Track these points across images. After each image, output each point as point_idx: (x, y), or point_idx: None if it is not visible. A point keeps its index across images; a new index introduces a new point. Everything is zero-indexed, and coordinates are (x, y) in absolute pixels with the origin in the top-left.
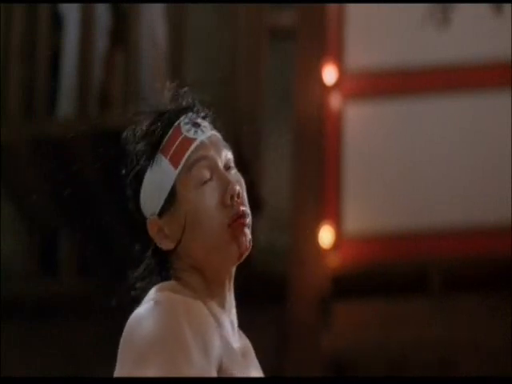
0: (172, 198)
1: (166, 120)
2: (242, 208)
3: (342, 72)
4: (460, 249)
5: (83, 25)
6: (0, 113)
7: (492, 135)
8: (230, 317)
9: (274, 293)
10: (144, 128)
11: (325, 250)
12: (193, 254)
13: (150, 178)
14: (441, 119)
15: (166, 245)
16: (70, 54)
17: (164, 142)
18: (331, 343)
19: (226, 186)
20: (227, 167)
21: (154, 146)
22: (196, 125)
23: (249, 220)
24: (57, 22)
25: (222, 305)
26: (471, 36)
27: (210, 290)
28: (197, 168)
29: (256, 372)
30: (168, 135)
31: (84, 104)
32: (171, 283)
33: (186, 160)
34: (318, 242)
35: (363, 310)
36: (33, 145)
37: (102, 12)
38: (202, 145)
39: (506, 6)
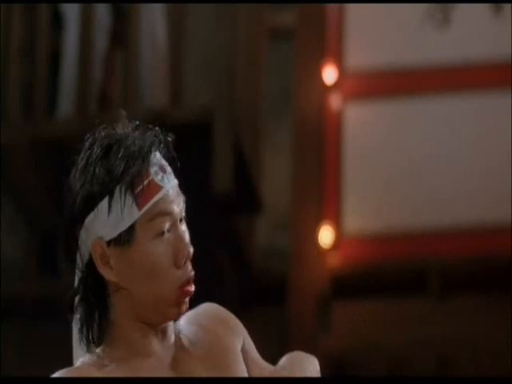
0: (129, 236)
1: (137, 152)
2: (192, 273)
3: (342, 72)
4: (460, 249)
5: (83, 25)
6: (0, 113)
7: (492, 135)
8: (170, 351)
9: (273, 293)
10: (108, 150)
11: (325, 250)
12: (137, 296)
13: (106, 203)
14: (440, 119)
15: (108, 274)
16: (70, 54)
17: (130, 175)
18: (331, 343)
19: (180, 246)
20: (180, 219)
21: (117, 177)
22: (163, 169)
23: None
24: (57, 22)
25: (159, 347)
26: (471, 36)
27: (147, 337)
28: (160, 221)
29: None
30: (135, 169)
31: (84, 104)
32: (96, 353)
33: (152, 207)
34: (317, 242)
35: (363, 310)
36: (33, 145)
37: (102, 12)
38: (167, 196)
39: (506, 6)
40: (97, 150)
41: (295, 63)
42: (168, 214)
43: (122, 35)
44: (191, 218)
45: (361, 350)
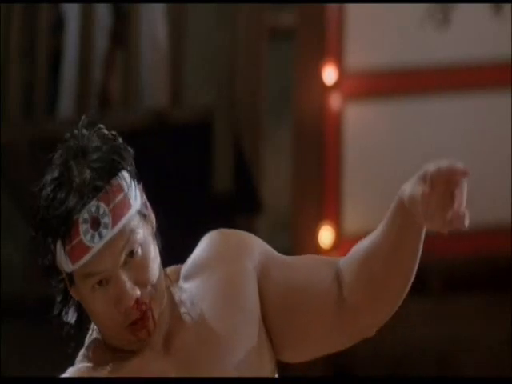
0: (71, 281)
1: (72, 207)
2: (140, 311)
3: (342, 72)
4: (460, 249)
5: (83, 25)
6: (0, 113)
7: (492, 135)
8: (162, 335)
9: None
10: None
11: (325, 250)
12: (95, 322)
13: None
14: (440, 119)
15: (72, 293)
16: (70, 54)
17: (62, 232)
18: None
19: (119, 297)
20: (131, 254)
21: (55, 229)
22: (95, 224)
23: (150, 312)
24: (57, 22)
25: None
26: (471, 36)
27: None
28: (91, 280)
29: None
30: (67, 226)
31: (84, 104)
32: (88, 350)
33: (82, 266)
34: (318, 242)
35: None
36: (33, 145)
37: (102, 12)
38: (98, 256)
39: (506, 6)
40: (49, 182)
41: (295, 63)
42: (98, 273)
43: (122, 35)
44: (191, 218)
45: (361, 350)
